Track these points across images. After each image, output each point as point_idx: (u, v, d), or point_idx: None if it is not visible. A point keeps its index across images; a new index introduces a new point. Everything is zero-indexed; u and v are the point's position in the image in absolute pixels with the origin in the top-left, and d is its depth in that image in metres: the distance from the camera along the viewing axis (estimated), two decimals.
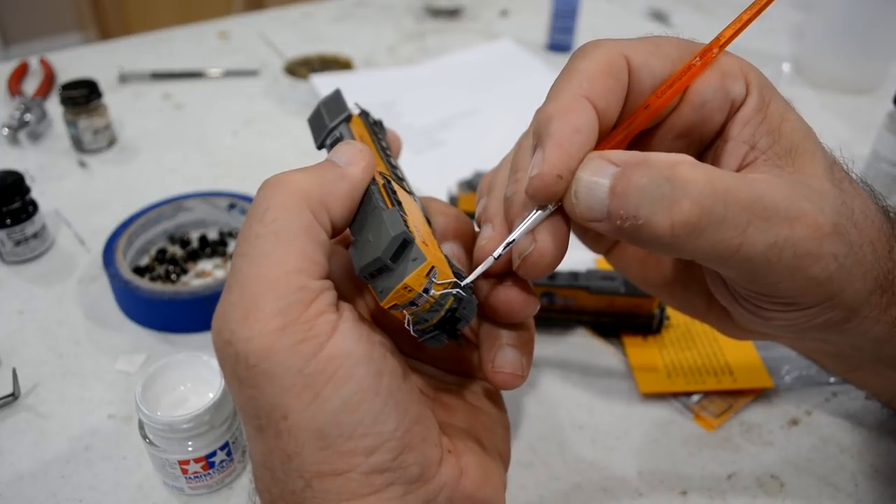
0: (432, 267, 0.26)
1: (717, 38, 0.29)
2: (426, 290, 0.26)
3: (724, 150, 0.29)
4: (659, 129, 0.30)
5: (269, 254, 0.25)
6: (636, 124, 0.29)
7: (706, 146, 0.31)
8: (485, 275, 0.29)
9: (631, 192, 0.25)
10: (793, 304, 0.29)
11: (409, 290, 0.26)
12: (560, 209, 0.28)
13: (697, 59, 0.28)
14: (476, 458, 0.29)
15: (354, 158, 0.29)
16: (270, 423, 0.25)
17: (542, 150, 0.27)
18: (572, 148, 0.26)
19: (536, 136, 0.28)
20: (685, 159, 0.26)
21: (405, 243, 0.26)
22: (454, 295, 0.27)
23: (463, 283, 0.28)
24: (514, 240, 0.28)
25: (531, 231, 0.28)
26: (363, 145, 0.29)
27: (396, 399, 0.26)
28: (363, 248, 0.27)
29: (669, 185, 0.25)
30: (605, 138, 0.29)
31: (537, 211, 0.28)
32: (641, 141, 0.30)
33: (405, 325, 0.27)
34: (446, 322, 0.27)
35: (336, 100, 0.35)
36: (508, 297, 0.30)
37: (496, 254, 0.28)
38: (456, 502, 0.28)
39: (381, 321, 0.32)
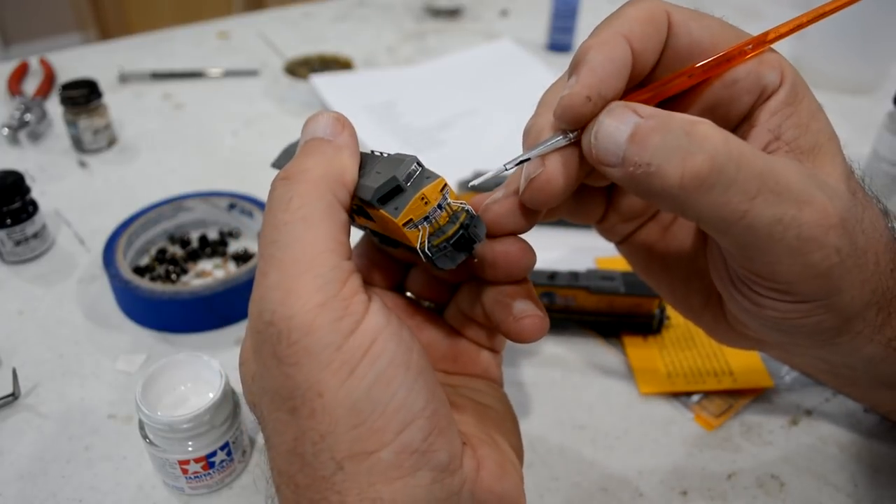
0: (445, 184, 0.28)
1: (774, 31, 0.29)
2: (440, 206, 0.27)
3: (748, 134, 0.30)
4: (686, 100, 0.31)
5: (301, 237, 0.25)
6: (670, 87, 0.29)
7: (731, 130, 0.31)
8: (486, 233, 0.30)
9: (649, 140, 0.26)
10: (787, 292, 0.29)
11: (426, 203, 0.27)
12: (578, 143, 0.29)
13: (750, 45, 0.29)
14: (491, 450, 0.29)
15: (337, 128, 0.29)
16: (305, 402, 0.25)
17: (576, 74, 0.28)
18: (604, 73, 0.27)
19: (572, 65, 0.29)
20: (706, 121, 0.26)
21: (419, 165, 0.28)
22: (467, 210, 0.28)
23: (475, 183, 0.29)
24: (527, 158, 0.29)
25: (542, 157, 0.29)
26: (335, 112, 0.30)
27: (426, 376, 0.26)
28: (373, 180, 0.28)
29: (687, 138, 0.26)
30: (636, 91, 0.30)
31: (557, 137, 0.29)
32: (667, 109, 0.31)
33: (418, 246, 0.28)
34: (460, 239, 0.29)
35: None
36: (506, 248, 0.31)
37: (508, 165, 0.29)
38: (477, 496, 0.28)
39: None
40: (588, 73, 0.27)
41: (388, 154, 0.29)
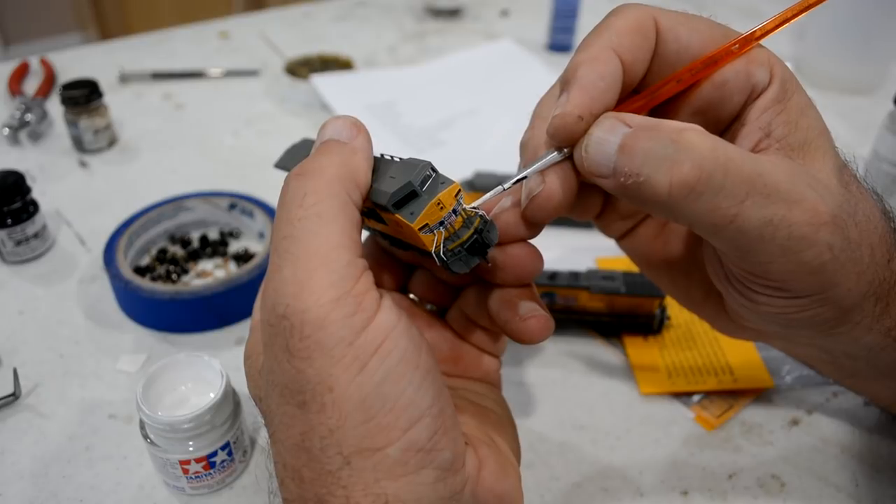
0: (459, 189, 0.28)
1: (760, 28, 0.29)
2: (455, 211, 0.28)
3: (739, 133, 0.30)
4: (676, 104, 0.31)
5: (316, 232, 0.26)
6: (661, 93, 0.30)
7: (723, 130, 0.31)
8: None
9: (637, 150, 0.26)
10: (782, 289, 0.29)
11: (441, 207, 0.27)
12: (572, 158, 0.29)
13: (736, 45, 0.29)
14: (491, 451, 0.30)
15: (353, 131, 0.29)
16: (315, 397, 0.25)
17: (567, 93, 0.28)
18: (595, 92, 0.28)
19: (563, 81, 0.29)
20: (694, 127, 0.27)
21: (433, 170, 0.28)
22: (481, 215, 0.29)
23: (474, 205, 0.29)
24: (525, 176, 0.30)
25: (541, 173, 0.29)
26: (352, 116, 0.30)
27: (433, 375, 0.27)
28: (388, 185, 0.28)
29: (674, 147, 0.26)
30: (628, 101, 0.30)
31: (553, 153, 0.29)
32: (658, 114, 0.31)
33: (433, 250, 0.28)
34: (474, 244, 0.29)
35: (304, 144, 0.35)
36: (516, 253, 0.31)
37: (506, 185, 0.30)
38: (479, 496, 0.28)
39: None
40: (579, 93, 0.28)
41: (401, 158, 0.29)
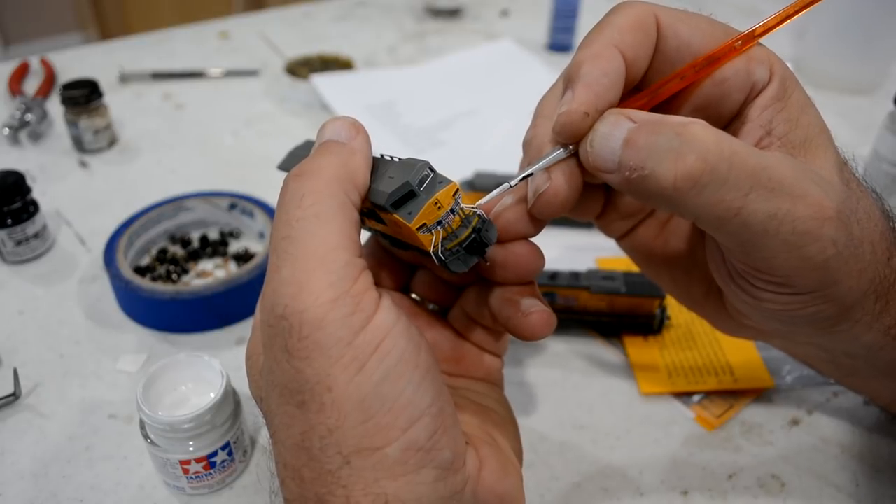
0: (457, 188, 0.28)
1: (762, 25, 0.29)
2: (453, 210, 0.28)
3: (740, 131, 0.30)
4: (677, 102, 0.31)
5: (314, 233, 0.26)
6: (664, 90, 0.30)
7: (723, 128, 0.31)
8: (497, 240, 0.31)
9: (642, 144, 0.27)
10: (785, 285, 0.30)
11: (439, 207, 0.28)
12: (577, 154, 0.29)
13: (739, 42, 0.29)
14: (492, 450, 0.30)
15: (352, 131, 0.29)
16: (314, 397, 0.25)
17: (571, 90, 0.29)
18: (600, 89, 0.28)
19: (567, 79, 0.29)
20: (699, 121, 0.27)
21: (431, 170, 0.28)
22: (479, 214, 0.29)
23: (479, 203, 0.29)
24: (531, 173, 0.30)
25: (547, 170, 0.30)
26: (351, 117, 0.30)
27: (433, 374, 0.27)
28: (386, 185, 0.28)
29: (679, 140, 0.26)
30: (632, 98, 0.30)
31: (558, 150, 0.30)
32: (659, 112, 0.31)
33: (431, 250, 0.28)
34: (473, 243, 0.29)
35: (307, 146, 0.36)
36: (517, 251, 0.32)
37: (512, 182, 0.30)
38: (479, 496, 0.28)
39: None
40: (584, 90, 0.28)
41: (400, 158, 0.29)
